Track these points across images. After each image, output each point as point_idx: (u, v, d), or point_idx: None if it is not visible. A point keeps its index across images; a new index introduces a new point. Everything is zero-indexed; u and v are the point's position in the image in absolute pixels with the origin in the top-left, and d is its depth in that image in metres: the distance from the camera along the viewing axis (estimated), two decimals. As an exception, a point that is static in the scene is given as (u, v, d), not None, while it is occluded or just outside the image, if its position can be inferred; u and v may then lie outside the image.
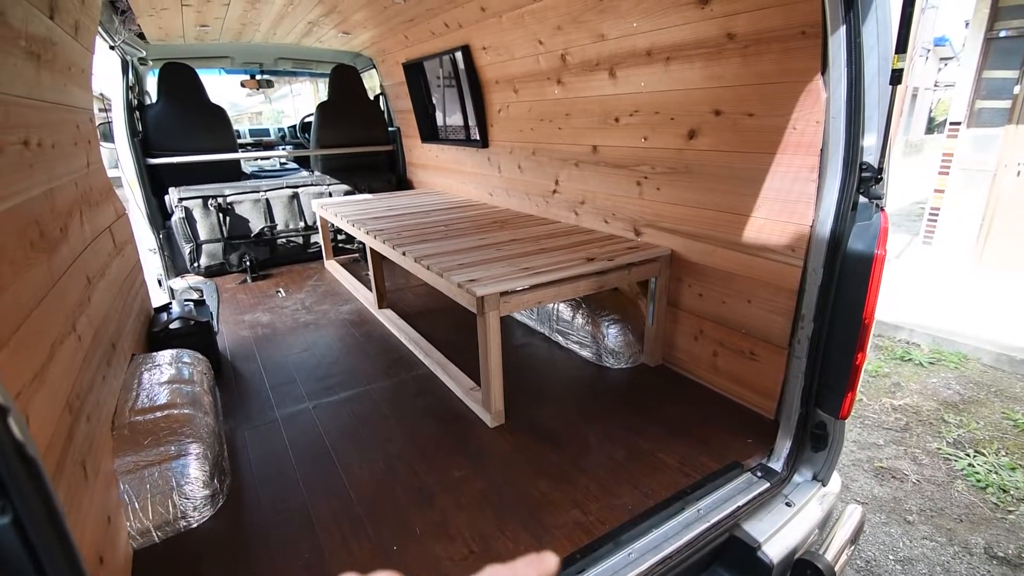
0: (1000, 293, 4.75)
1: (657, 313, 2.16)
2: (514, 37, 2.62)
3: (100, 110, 3.45)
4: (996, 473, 2.63)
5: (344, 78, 4.39)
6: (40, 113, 1.40)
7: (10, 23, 1.16)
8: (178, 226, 3.63)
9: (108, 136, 3.55)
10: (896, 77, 1.33)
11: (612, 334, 2.25)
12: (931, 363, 3.83)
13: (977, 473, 2.63)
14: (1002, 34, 5.13)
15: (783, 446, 1.63)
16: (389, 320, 2.80)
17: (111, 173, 2.38)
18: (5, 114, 1.10)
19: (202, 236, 3.70)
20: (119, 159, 3.42)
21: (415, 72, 3.88)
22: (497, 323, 1.75)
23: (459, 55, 3.14)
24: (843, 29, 1.34)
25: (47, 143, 1.41)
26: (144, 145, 3.57)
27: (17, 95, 1.20)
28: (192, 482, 1.41)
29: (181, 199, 3.61)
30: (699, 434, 1.77)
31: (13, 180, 1.12)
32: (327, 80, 4.54)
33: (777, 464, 1.63)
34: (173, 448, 1.45)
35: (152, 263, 3.58)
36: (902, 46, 1.29)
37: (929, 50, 16.00)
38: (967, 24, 5.62)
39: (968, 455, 2.78)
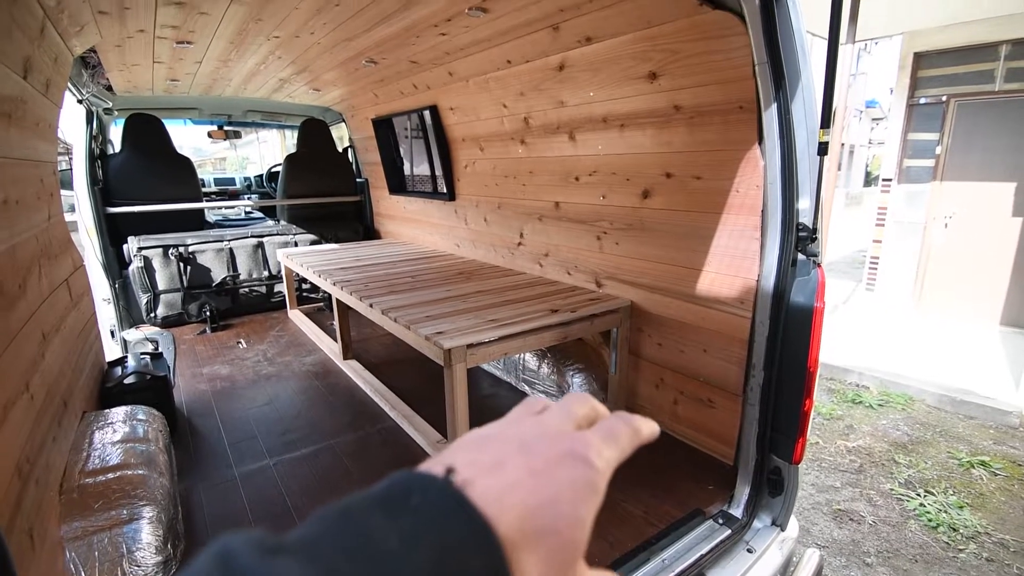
0: (938, 337, 5.06)
1: (620, 362, 2.23)
2: (480, 100, 2.78)
3: (59, 153, 3.41)
4: (946, 512, 2.74)
5: (313, 131, 4.48)
6: (5, 170, 1.41)
7: (-15, 86, 1.18)
8: (136, 275, 3.55)
9: (67, 183, 3.49)
10: (822, 149, 1.48)
11: (577, 383, 2.30)
12: (880, 405, 4.02)
13: (928, 513, 2.73)
14: (922, 101, 5.70)
15: (742, 492, 1.69)
16: (354, 371, 2.78)
17: (67, 217, 2.34)
18: (-26, 175, 1.11)
19: (161, 286, 3.62)
20: (78, 208, 3.36)
21: (384, 127, 4.01)
22: (464, 375, 1.77)
23: (427, 114, 3.28)
24: (774, 106, 1.50)
25: (12, 199, 1.41)
26: (105, 194, 3.53)
27: (-14, 155, 1.21)
28: (144, 548, 1.35)
29: (140, 248, 3.54)
30: (663, 483, 1.81)
31: (-24, 239, 1.11)
32: (295, 131, 4.63)
33: (737, 510, 1.67)
34: (125, 512, 1.39)
35: (106, 313, 3.46)
36: (826, 122, 1.46)
37: (862, 111, 17.47)
38: (892, 91, 6.22)
39: (919, 495, 2.90)
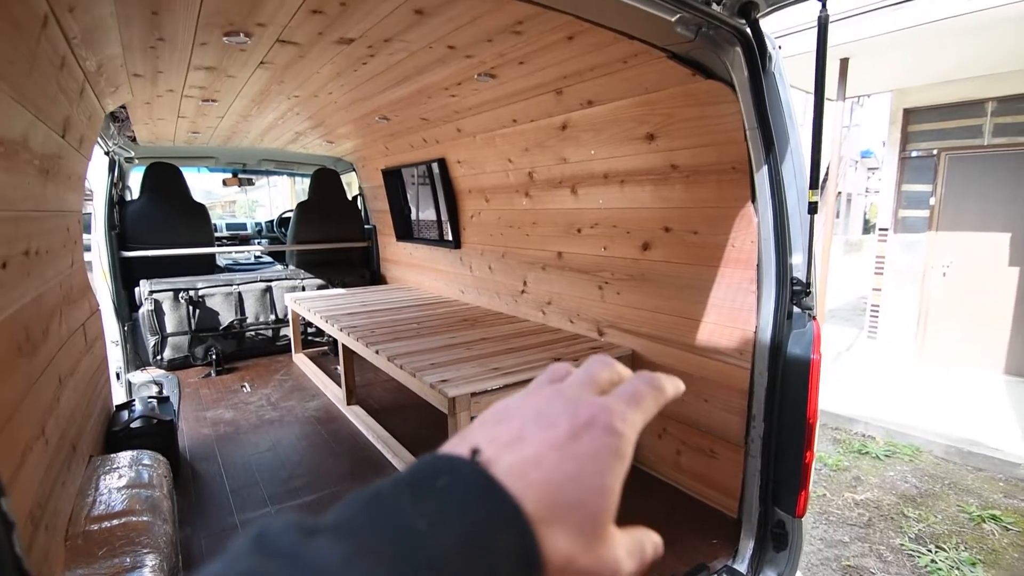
0: (942, 385, 5.03)
1: (622, 410, 2.24)
2: (486, 154, 2.91)
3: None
4: (958, 569, 2.67)
5: (325, 180, 4.64)
6: (40, 222, 1.49)
7: (31, 147, 1.28)
8: (145, 318, 3.61)
9: (86, 227, 3.61)
10: (812, 208, 1.56)
11: (579, 431, 2.30)
12: (887, 456, 3.96)
13: (940, 570, 2.67)
14: (914, 154, 5.88)
15: (747, 547, 1.67)
16: (357, 417, 2.79)
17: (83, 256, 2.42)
18: (15, 229, 1.19)
19: (169, 329, 3.68)
20: (94, 252, 3.46)
21: (393, 177, 4.16)
22: (468, 423, 1.80)
23: (435, 166, 3.42)
24: (765, 168, 1.59)
25: (43, 250, 1.48)
26: (121, 238, 3.64)
27: (26, 210, 1.29)
28: (145, 598, 1.35)
29: (152, 291, 3.62)
30: (666, 536, 1.77)
31: (12, 288, 1.18)
32: (305, 177, 4.79)
33: (742, 566, 1.66)
34: (128, 559, 1.39)
35: (113, 355, 3.50)
36: (814, 183, 1.54)
37: (857, 161, 17.91)
38: (884, 143, 6.43)
39: (930, 551, 2.83)
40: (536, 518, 0.23)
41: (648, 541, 0.29)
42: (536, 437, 0.25)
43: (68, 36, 1.36)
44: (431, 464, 0.24)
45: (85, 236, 3.46)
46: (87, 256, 3.08)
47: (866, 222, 20.24)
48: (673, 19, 1.36)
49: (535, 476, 0.24)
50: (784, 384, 1.59)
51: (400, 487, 0.23)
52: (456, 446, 0.26)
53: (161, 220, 3.84)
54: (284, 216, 5.69)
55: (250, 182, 5.57)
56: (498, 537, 0.22)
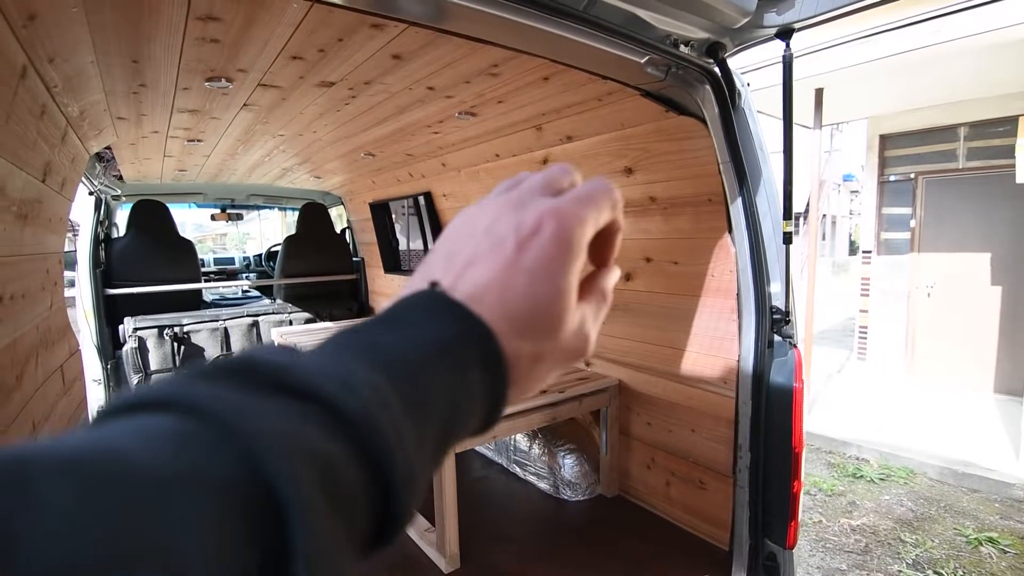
0: (933, 406, 5.04)
1: (610, 442, 2.23)
2: (472, 188, 2.95)
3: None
4: (957, 596, 2.63)
5: (313, 214, 4.66)
6: (16, 267, 1.48)
7: (8, 194, 1.28)
8: (128, 356, 3.56)
9: (70, 265, 3.59)
10: (787, 239, 1.59)
11: (568, 464, 2.28)
12: (882, 479, 3.93)
13: (939, 597, 2.62)
14: (892, 178, 6.02)
15: (738, 580, 1.64)
16: (344, 454, 2.74)
17: (66, 292, 2.38)
18: (-12, 278, 1.18)
19: (153, 366, 3.62)
20: (78, 290, 3.43)
21: (381, 211, 4.19)
22: (452, 460, 1.77)
23: (422, 199, 3.45)
24: (740, 199, 1.62)
25: (19, 294, 1.47)
26: (106, 275, 3.61)
27: (1, 256, 1.29)
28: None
29: (136, 328, 3.58)
30: (657, 570, 1.76)
31: (-17, 338, 1.16)
32: (295, 210, 4.82)
33: (734, 601, 1.62)
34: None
35: (94, 394, 3.44)
36: (787, 214, 1.57)
37: (840, 184, 18.29)
38: (863, 168, 6.58)
39: (928, 577, 2.79)
40: (497, 330, 0.25)
41: (605, 282, 0.31)
42: (486, 259, 0.27)
43: (49, 85, 1.38)
44: (397, 303, 0.26)
45: (70, 273, 3.45)
46: (70, 292, 3.05)
47: (851, 244, 20.54)
48: (643, 60, 1.41)
49: (489, 297, 0.25)
50: (768, 413, 1.59)
51: (369, 322, 0.25)
52: (417, 283, 0.27)
53: (147, 257, 3.82)
54: (272, 250, 5.69)
55: (239, 216, 5.59)
56: (464, 348, 0.24)
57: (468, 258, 0.27)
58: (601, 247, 0.32)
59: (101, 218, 3.63)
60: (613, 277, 0.32)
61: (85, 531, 0.13)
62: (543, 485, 2.34)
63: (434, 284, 0.27)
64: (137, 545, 0.13)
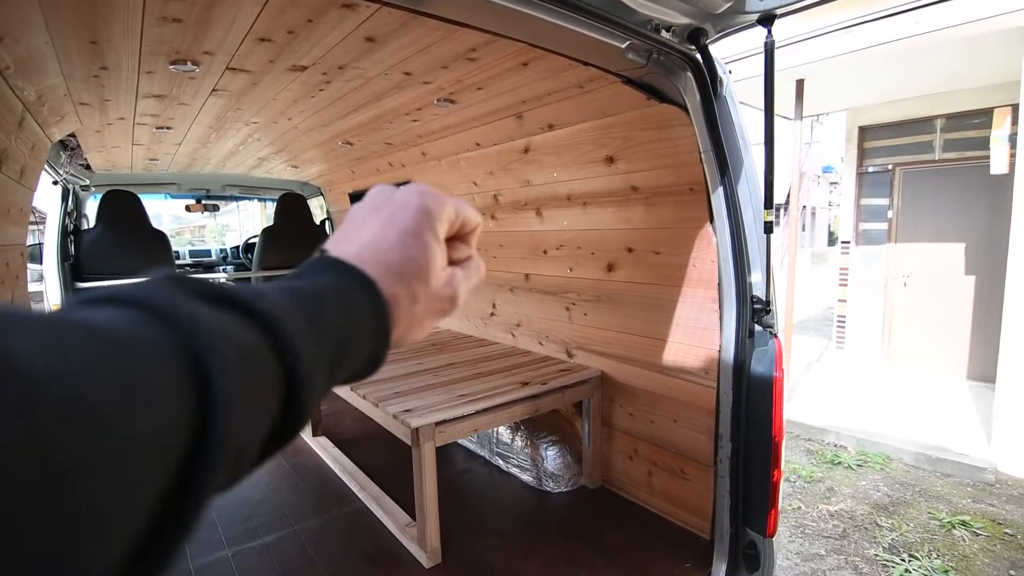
0: (909, 393, 5.15)
1: (593, 433, 2.22)
2: (452, 177, 2.90)
3: (31, 223, 3.40)
4: (931, 578, 2.69)
5: (291, 205, 4.57)
6: (-30, 260, 1.41)
7: (-44, 183, 1.21)
8: (101, 352, 3.45)
9: (36, 257, 3.46)
10: (768, 228, 1.58)
11: (551, 456, 2.27)
12: (859, 465, 4.01)
13: (913, 580, 2.68)
14: (870, 169, 6.10)
15: (719, 570, 1.65)
16: (323, 449, 2.70)
17: (34, 288, 2.29)
18: (-66, 270, 1.11)
19: (127, 362, 3.52)
20: (46, 285, 3.32)
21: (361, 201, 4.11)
22: (432, 454, 1.75)
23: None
24: (721, 189, 1.61)
25: (-28, 289, 1.40)
26: (75, 269, 3.50)
27: (-50, 248, 1.22)
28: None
29: (108, 324, 3.47)
30: (639, 561, 1.76)
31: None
32: (273, 202, 4.71)
33: (715, 589, 1.63)
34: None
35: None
36: (768, 204, 1.56)
37: (819, 176, 18.53)
38: (842, 159, 6.66)
39: (904, 560, 2.85)
40: (376, 276, 0.32)
41: (476, 259, 0.40)
42: (367, 227, 0.35)
43: (0, 67, 1.31)
44: (295, 270, 0.32)
45: (37, 266, 3.32)
46: (37, 287, 2.94)
47: (831, 234, 20.87)
48: (623, 46, 1.38)
49: (368, 252, 0.34)
50: (749, 403, 1.59)
51: (271, 284, 0.29)
52: (312, 254, 0.35)
53: (118, 249, 3.71)
54: (250, 242, 5.56)
55: (215, 208, 5.45)
56: (351, 291, 0.31)
57: (355, 230, 0.35)
58: (467, 242, 0.40)
59: (69, 209, 3.50)
60: (477, 258, 0.41)
61: (59, 352, 0.16)
62: (526, 477, 2.32)
63: (322, 251, 0.34)
64: (97, 369, 0.17)
